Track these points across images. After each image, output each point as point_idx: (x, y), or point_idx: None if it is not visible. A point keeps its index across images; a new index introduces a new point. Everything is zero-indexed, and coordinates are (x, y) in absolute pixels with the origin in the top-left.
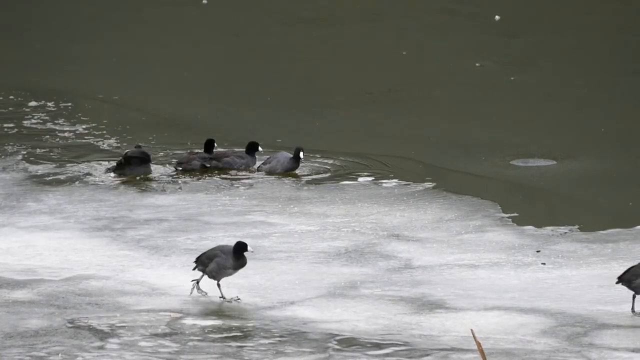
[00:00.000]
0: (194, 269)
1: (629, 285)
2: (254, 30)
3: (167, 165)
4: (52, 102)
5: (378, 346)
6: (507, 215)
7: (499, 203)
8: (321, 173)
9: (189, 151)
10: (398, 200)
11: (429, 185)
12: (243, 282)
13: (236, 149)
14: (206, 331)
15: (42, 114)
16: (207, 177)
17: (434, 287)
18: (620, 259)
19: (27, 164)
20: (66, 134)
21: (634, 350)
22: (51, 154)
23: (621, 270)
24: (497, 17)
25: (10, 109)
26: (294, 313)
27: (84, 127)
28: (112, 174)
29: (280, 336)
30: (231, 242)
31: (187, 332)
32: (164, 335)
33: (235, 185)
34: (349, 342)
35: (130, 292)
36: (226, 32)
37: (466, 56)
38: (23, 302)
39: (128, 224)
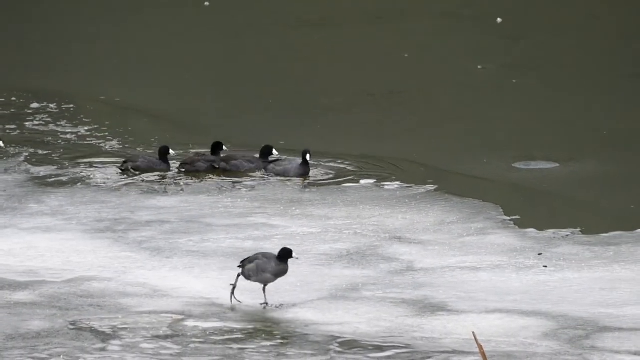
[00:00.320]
0: (239, 266)
1: None
2: (256, 31)
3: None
4: (54, 104)
5: (380, 348)
6: (509, 217)
7: (501, 205)
8: (323, 175)
9: (195, 152)
10: (400, 202)
11: (430, 187)
12: (245, 284)
13: (246, 153)
14: (208, 333)
15: (44, 116)
16: (209, 179)
17: (436, 290)
18: (622, 261)
19: (29, 166)
20: (68, 136)
21: (635, 354)
22: (53, 155)
23: (623, 273)
24: (499, 20)
25: (12, 110)
26: (295, 315)
27: (86, 128)
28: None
29: (282, 338)
30: (234, 244)
31: (188, 334)
32: (166, 337)
33: (237, 187)
34: (350, 345)
35: (132, 294)
36: (228, 33)
37: (468, 58)
38: (25, 304)
39: (130, 225)
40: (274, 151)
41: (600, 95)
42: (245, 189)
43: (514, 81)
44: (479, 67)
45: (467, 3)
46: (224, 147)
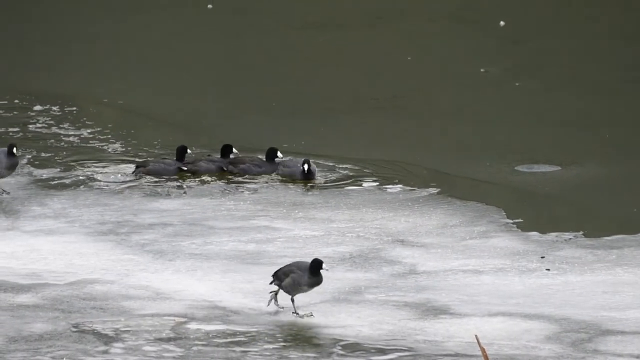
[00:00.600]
0: (271, 283)
1: None
2: (259, 34)
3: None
4: (57, 107)
5: (382, 351)
6: (511, 221)
7: (504, 209)
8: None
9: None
10: (403, 205)
11: (433, 190)
12: (248, 287)
13: (253, 156)
14: (210, 336)
15: (47, 118)
16: (212, 182)
17: (439, 293)
18: (625, 265)
19: (32, 168)
20: (71, 138)
21: (638, 357)
22: (56, 158)
23: (626, 276)
24: (502, 23)
25: (15, 113)
26: (298, 318)
27: (88, 131)
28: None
29: (285, 341)
30: (236, 246)
31: (191, 336)
32: (169, 339)
33: (240, 190)
34: (353, 348)
35: (135, 297)
36: (231, 36)
37: (471, 62)
38: (27, 306)
39: (132, 228)
40: (279, 153)
41: (602, 98)
42: (248, 192)
43: (517, 84)
44: (482, 70)
45: (470, 6)
46: (234, 150)
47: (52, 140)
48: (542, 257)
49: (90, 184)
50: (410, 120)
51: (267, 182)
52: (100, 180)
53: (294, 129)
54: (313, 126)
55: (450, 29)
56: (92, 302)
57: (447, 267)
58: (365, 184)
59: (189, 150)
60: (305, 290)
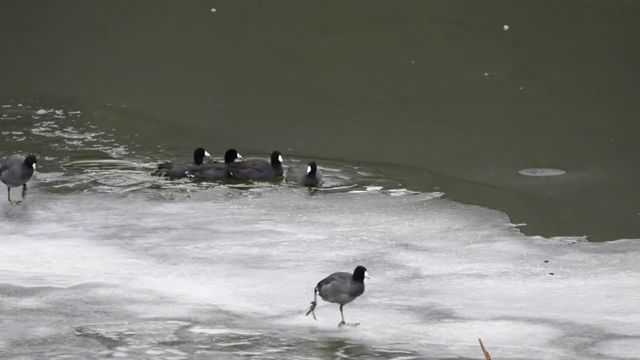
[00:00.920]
0: (316, 292)
1: None
2: (262, 38)
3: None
4: (61, 110)
5: (386, 355)
6: (515, 225)
7: (507, 213)
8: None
9: (208, 160)
10: (406, 209)
11: (437, 194)
12: (252, 291)
13: (258, 159)
14: (214, 340)
15: (51, 122)
16: (216, 186)
17: (442, 297)
18: (629, 269)
19: (35, 172)
20: (75, 142)
21: None
22: (60, 161)
23: (629, 280)
24: (505, 27)
25: (19, 117)
26: (301, 322)
27: (92, 135)
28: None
29: (288, 345)
30: (240, 250)
31: (195, 340)
32: (172, 343)
33: (244, 194)
34: (356, 351)
35: (139, 301)
36: (234, 40)
37: (474, 66)
38: (31, 310)
39: (136, 232)
40: (279, 157)
41: (606, 102)
42: (251, 196)
43: (521, 88)
44: (486, 74)
45: (474, 10)
46: (238, 155)
47: (56, 144)
48: (546, 261)
49: (93, 187)
50: (414, 124)
51: (270, 186)
52: (103, 184)
53: (296, 132)
54: (316, 130)
55: (454, 33)
56: (95, 306)
57: (450, 271)
58: (369, 188)
59: (207, 153)
60: (346, 299)
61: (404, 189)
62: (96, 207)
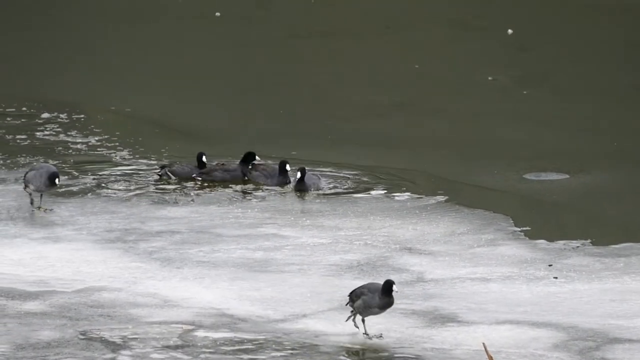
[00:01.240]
0: (347, 304)
1: None
2: (266, 42)
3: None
4: (65, 114)
5: (390, 359)
6: (519, 229)
7: (511, 217)
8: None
9: (217, 163)
10: (410, 213)
11: (441, 198)
12: (255, 295)
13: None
14: (218, 343)
15: (55, 126)
16: (220, 190)
17: (446, 301)
18: (633, 273)
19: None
20: (79, 146)
21: None
22: (64, 165)
23: (633, 284)
24: (509, 31)
25: (23, 120)
26: (305, 326)
27: (96, 139)
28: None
29: (292, 349)
30: (244, 254)
31: (199, 344)
32: (176, 347)
33: (248, 197)
34: (360, 355)
35: (143, 304)
36: (238, 43)
37: (478, 69)
38: (35, 314)
39: (140, 235)
40: (287, 166)
41: (610, 105)
42: (255, 200)
43: (525, 92)
44: (490, 78)
45: (478, 14)
46: (257, 158)
47: (60, 148)
48: (550, 265)
49: (97, 191)
50: (418, 128)
51: (274, 190)
52: (107, 188)
53: (300, 136)
54: (320, 134)
55: (458, 37)
56: (99, 310)
57: (454, 275)
58: (373, 192)
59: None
60: (377, 313)
61: (408, 193)
62: (100, 211)
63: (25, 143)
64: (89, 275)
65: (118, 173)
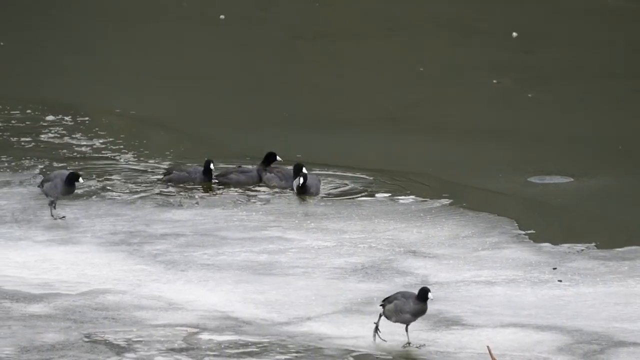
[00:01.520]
0: (380, 313)
1: None
2: (271, 45)
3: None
4: (69, 117)
5: None
6: (523, 232)
7: (516, 220)
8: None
9: (236, 165)
10: (415, 216)
11: (445, 201)
12: (260, 298)
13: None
14: (223, 346)
15: (59, 128)
16: (224, 193)
17: (451, 304)
18: (637, 276)
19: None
20: (83, 149)
21: None
22: (68, 168)
23: (638, 287)
24: (514, 34)
25: (27, 123)
26: (310, 329)
27: (101, 141)
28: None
29: (297, 352)
30: (248, 257)
31: (203, 347)
32: (181, 350)
33: (252, 200)
34: (365, 359)
35: (147, 307)
36: (243, 47)
37: (483, 72)
38: (39, 316)
39: (145, 238)
40: (304, 169)
41: (615, 109)
42: (260, 203)
43: (529, 95)
44: (494, 81)
45: (483, 17)
46: (278, 158)
47: (65, 150)
48: (554, 269)
49: (102, 194)
50: (422, 131)
51: (279, 193)
52: (112, 191)
53: (304, 139)
54: (324, 136)
55: (462, 40)
56: (104, 312)
57: (459, 278)
58: (377, 195)
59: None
60: (408, 319)
61: (413, 196)
62: (105, 214)
63: (30, 145)
64: (94, 277)
65: (122, 175)
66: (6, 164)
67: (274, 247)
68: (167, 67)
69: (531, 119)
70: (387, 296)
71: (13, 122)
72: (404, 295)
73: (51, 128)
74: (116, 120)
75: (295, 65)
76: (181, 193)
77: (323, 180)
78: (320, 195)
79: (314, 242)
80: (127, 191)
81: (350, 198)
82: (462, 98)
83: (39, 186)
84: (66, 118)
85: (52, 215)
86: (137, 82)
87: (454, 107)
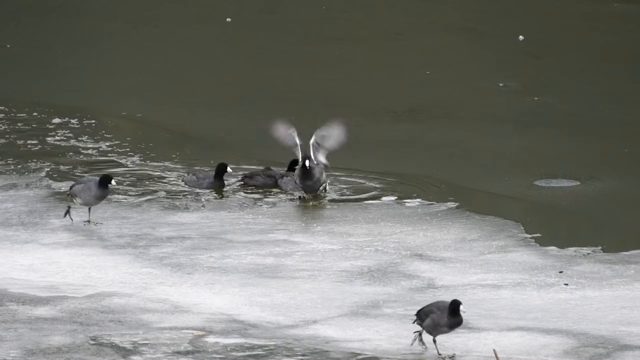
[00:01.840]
0: (414, 322)
1: None
2: (277, 48)
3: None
4: (76, 119)
5: None
6: (530, 235)
7: (522, 223)
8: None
9: (264, 167)
10: (421, 219)
11: (452, 205)
12: (266, 301)
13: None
14: (229, 349)
15: (66, 131)
16: (231, 196)
17: None
18: None
19: (50, 181)
20: (89, 151)
21: None
22: (74, 170)
23: None
24: (520, 38)
25: (33, 125)
26: (316, 332)
27: (107, 144)
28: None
29: (303, 355)
30: (254, 260)
31: (209, 350)
32: (187, 352)
33: (258, 203)
34: None
35: (153, 310)
36: (249, 49)
37: (489, 76)
38: (46, 319)
39: (151, 241)
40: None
41: (621, 112)
42: (266, 206)
43: (536, 99)
44: (501, 84)
45: (489, 21)
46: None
47: (71, 153)
48: (561, 272)
49: (108, 197)
50: (429, 134)
51: (285, 196)
52: (118, 193)
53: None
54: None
55: (469, 44)
56: (110, 315)
57: (465, 281)
58: (383, 198)
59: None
60: (446, 331)
61: (419, 199)
62: (111, 217)
63: (36, 148)
64: (100, 280)
65: (128, 179)
66: (12, 167)
67: (280, 250)
68: (173, 70)
69: (537, 123)
70: (420, 307)
71: (19, 124)
72: (438, 307)
73: (57, 131)
74: (122, 123)
75: (303, 69)
76: (187, 196)
77: (330, 185)
78: (326, 195)
79: (320, 245)
80: (133, 194)
81: (356, 201)
82: (468, 101)
83: (68, 194)
84: (72, 121)
85: (69, 215)
86: (143, 85)
87: (460, 110)
